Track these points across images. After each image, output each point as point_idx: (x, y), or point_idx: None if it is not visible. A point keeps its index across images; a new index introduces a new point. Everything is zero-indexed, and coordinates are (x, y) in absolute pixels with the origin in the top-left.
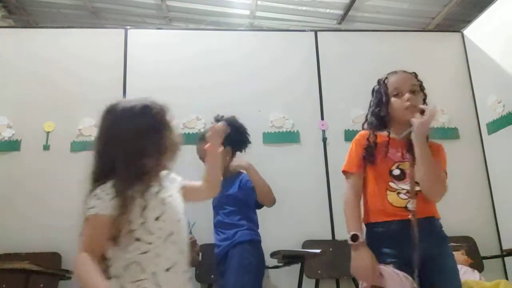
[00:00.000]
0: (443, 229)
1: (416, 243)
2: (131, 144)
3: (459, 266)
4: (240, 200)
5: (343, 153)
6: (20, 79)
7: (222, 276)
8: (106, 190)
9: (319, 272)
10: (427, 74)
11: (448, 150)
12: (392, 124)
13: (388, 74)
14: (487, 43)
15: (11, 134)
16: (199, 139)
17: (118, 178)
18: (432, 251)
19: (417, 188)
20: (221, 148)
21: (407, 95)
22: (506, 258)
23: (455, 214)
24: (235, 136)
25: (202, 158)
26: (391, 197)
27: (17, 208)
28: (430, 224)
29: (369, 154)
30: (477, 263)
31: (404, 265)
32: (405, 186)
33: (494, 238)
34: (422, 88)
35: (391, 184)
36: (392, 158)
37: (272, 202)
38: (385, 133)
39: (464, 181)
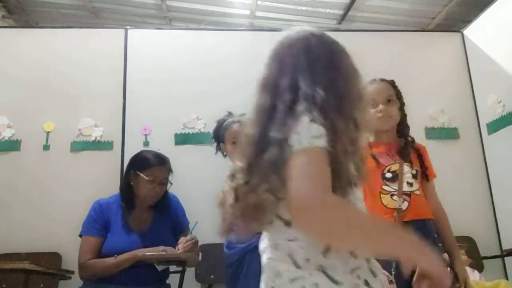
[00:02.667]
0: (434, 230)
1: None
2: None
3: None
4: None
5: None
6: (20, 79)
7: (232, 280)
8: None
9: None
10: (427, 74)
11: (448, 150)
12: (372, 133)
13: (367, 82)
14: (487, 43)
15: (11, 134)
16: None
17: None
18: None
19: (411, 189)
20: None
21: (380, 106)
22: (506, 258)
23: (455, 214)
24: None
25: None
26: (385, 199)
27: (17, 208)
28: (424, 226)
29: None
30: (477, 263)
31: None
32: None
33: (494, 238)
34: (399, 97)
35: (384, 187)
36: (382, 163)
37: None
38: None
39: (464, 181)
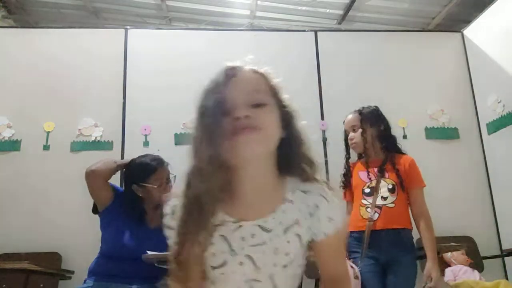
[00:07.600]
0: (410, 240)
1: (366, 244)
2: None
3: (459, 266)
4: None
5: (343, 154)
6: (20, 79)
7: None
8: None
9: (319, 272)
10: (427, 74)
11: (448, 150)
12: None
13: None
14: (487, 43)
15: (11, 134)
16: None
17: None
18: (396, 258)
19: (383, 203)
20: None
21: (351, 134)
22: (506, 258)
23: (455, 214)
24: None
25: None
26: (362, 211)
27: (17, 208)
28: (397, 234)
29: (346, 181)
30: (477, 263)
31: (371, 260)
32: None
33: (494, 238)
34: (362, 124)
35: (363, 201)
36: (363, 180)
37: None
38: (356, 161)
39: (464, 181)
